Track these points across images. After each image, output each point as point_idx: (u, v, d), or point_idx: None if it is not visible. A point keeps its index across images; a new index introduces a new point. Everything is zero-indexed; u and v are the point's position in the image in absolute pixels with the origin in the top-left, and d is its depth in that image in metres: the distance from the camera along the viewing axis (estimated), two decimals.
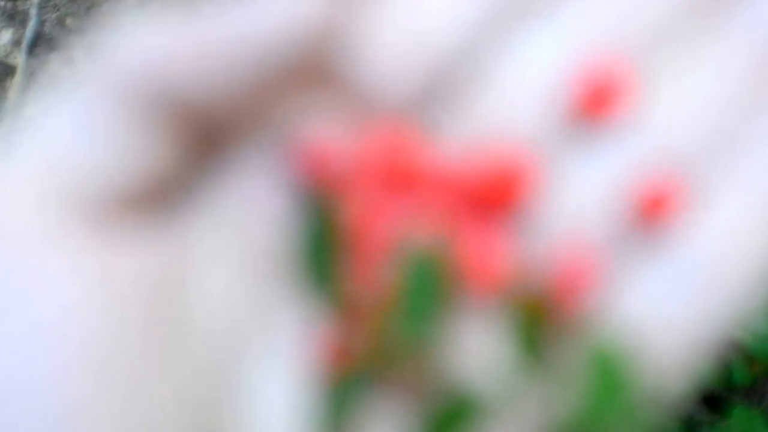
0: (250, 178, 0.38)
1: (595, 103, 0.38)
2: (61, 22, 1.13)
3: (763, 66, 0.38)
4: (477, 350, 0.37)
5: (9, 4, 1.13)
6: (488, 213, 0.39)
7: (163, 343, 0.35)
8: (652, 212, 0.37)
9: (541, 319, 0.35)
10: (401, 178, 0.39)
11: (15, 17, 1.13)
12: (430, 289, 0.36)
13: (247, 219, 0.38)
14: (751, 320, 0.37)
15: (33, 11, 1.12)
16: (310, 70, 0.38)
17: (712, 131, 0.38)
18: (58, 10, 1.15)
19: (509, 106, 0.39)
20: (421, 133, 0.40)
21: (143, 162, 0.37)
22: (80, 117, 0.36)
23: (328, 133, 0.38)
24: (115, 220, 0.36)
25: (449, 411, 0.36)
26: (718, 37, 0.38)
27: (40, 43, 1.12)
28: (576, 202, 0.38)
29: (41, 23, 1.12)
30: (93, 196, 0.36)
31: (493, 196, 0.38)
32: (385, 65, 0.39)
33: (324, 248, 0.38)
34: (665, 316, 0.36)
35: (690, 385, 0.37)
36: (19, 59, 1.12)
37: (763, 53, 0.38)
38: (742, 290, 0.36)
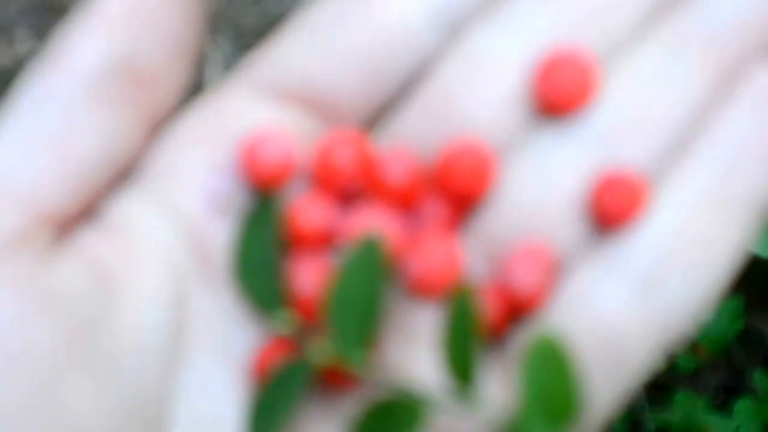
0: (196, 171, 0.38)
1: (557, 99, 0.38)
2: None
3: (714, 68, 0.38)
4: (424, 351, 0.37)
5: None
6: (444, 208, 0.38)
7: (94, 346, 0.34)
8: (606, 209, 0.37)
9: (474, 320, 0.34)
10: (350, 179, 0.38)
11: None
12: (367, 284, 0.35)
13: (191, 212, 0.38)
14: (701, 316, 0.37)
15: None
16: None
17: (664, 130, 0.38)
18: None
19: (470, 105, 0.38)
20: (372, 135, 0.39)
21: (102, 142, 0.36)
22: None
23: (283, 134, 0.38)
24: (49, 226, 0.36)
25: (389, 411, 0.35)
26: (672, 39, 0.38)
27: None
28: (533, 196, 0.38)
29: None
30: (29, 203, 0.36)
31: (452, 190, 0.38)
32: (345, 71, 0.39)
33: (265, 246, 0.37)
34: (616, 312, 0.36)
35: (641, 379, 0.36)
36: None
37: (714, 56, 0.38)
38: (691, 289, 0.36)
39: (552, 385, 0.34)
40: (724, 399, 0.86)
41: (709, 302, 0.36)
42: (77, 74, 0.36)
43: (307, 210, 0.38)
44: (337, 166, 0.38)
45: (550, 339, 0.34)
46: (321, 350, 0.35)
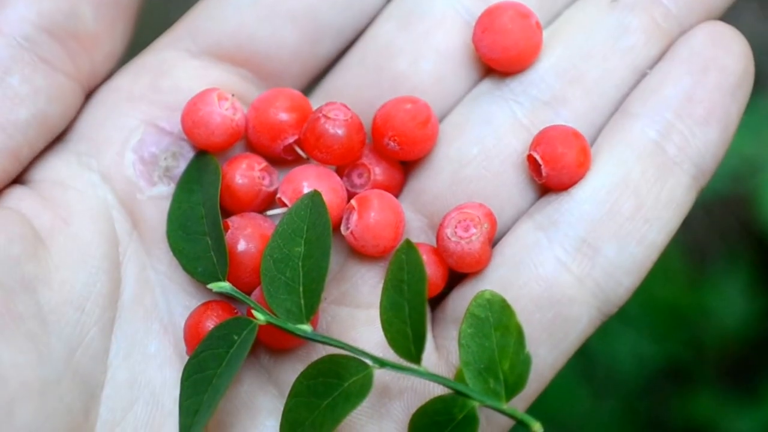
0: (131, 130, 0.37)
1: (499, 56, 0.37)
2: None
3: (656, 30, 0.37)
4: (367, 311, 0.36)
5: None
6: (384, 167, 0.37)
7: (28, 307, 0.34)
8: (544, 167, 0.35)
9: (419, 278, 0.32)
10: (286, 136, 0.37)
11: None
12: (305, 243, 0.34)
13: (125, 172, 0.37)
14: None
15: None
16: None
17: (605, 89, 0.37)
18: None
19: (408, 63, 0.38)
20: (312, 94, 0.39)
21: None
22: None
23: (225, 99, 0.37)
24: None
25: (333, 366, 0.33)
26: (614, 5, 0.38)
27: None
28: (473, 156, 0.37)
29: None
30: None
31: (390, 148, 0.37)
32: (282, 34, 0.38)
33: (199, 210, 0.36)
34: (555, 274, 0.35)
35: (579, 344, 0.35)
36: None
37: (657, 18, 0.37)
38: (627, 251, 0.35)
39: (493, 348, 0.33)
40: (751, 386, 0.82)
41: (648, 265, 0.35)
42: (11, 36, 0.36)
43: (242, 172, 0.37)
44: (272, 124, 0.37)
45: (489, 296, 0.33)
46: (262, 312, 0.34)
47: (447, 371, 0.35)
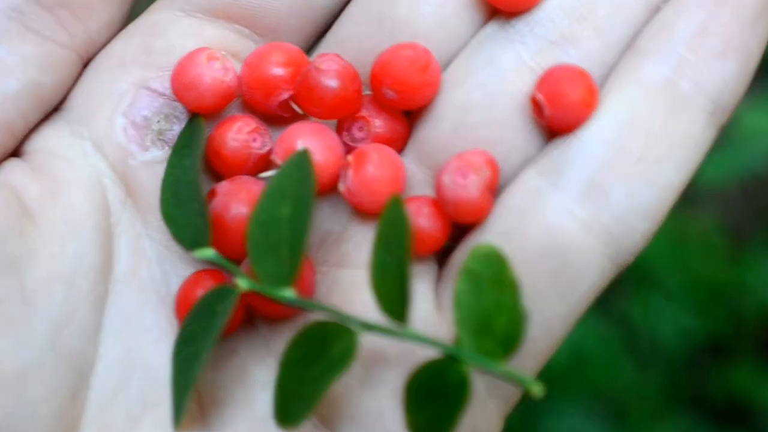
0: (125, 94, 0.36)
1: None
2: None
3: None
4: (360, 273, 0.34)
5: None
6: (386, 118, 0.35)
7: (16, 281, 0.32)
8: (548, 107, 0.33)
9: (407, 238, 0.30)
10: (281, 90, 0.35)
11: None
12: (291, 209, 0.32)
13: (119, 139, 0.35)
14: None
15: None
16: None
17: (616, 27, 0.35)
18: None
19: (410, 6, 0.35)
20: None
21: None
22: None
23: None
24: None
25: (321, 332, 0.31)
26: None
27: None
28: (478, 100, 0.35)
29: None
30: None
31: (389, 97, 0.35)
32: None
33: (190, 177, 0.34)
34: (560, 221, 0.32)
35: (589, 298, 0.33)
36: None
37: None
38: (637, 195, 0.32)
39: (489, 304, 0.31)
40: None
41: (663, 209, 0.33)
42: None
43: (231, 135, 0.35)
44: (265, 80, 0.35)
45: (485, 250, 0.31)
46: (244, 279, 0.32)
47: (449, 332, 0.33)
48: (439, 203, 0.34)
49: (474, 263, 0.31)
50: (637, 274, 0.78)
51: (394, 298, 0.30)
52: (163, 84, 0.35)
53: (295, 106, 0.35)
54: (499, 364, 0.31)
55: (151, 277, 0.34)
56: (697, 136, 0.33)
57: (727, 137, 0.76)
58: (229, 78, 0.35)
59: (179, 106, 0.35)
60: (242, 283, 0.32)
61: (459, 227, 0.34)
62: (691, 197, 0.83)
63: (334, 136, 0.35)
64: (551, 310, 0.32)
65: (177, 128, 0.35)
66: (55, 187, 0.34)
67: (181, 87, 0.35)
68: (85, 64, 0.36)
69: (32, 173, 0.34)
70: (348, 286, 0.34)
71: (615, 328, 0.77)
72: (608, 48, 0.34)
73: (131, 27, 0.36)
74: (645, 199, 0.32)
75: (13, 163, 0.35)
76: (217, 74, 0.35)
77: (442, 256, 0.35)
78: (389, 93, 0.34)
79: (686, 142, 0.33)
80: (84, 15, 0.35)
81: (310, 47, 0.37)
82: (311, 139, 0.34)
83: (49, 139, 0.35)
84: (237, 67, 0.36)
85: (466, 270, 0.31)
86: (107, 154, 0.35)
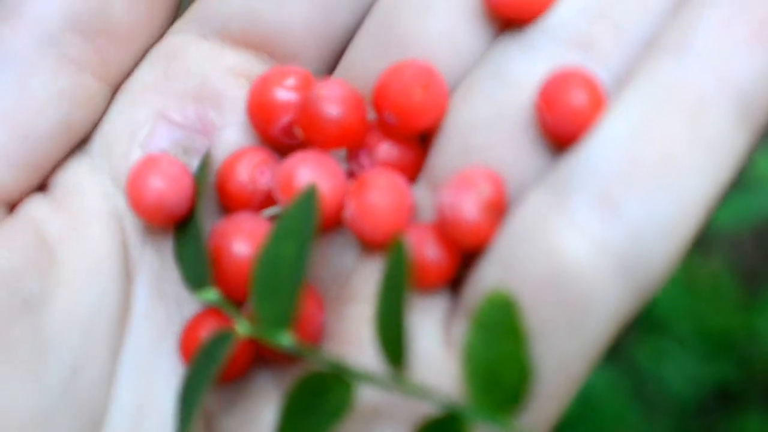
0: (145, 126, 0.34)
1: (511, 7, 0.32)
2: None
3: None
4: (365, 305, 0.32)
5: None
6: (394, 145, 0.33)
7: (32, 324, 0.31)
8: (549, 109, 0.30)
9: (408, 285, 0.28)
10: (285, 117, 0.34)
11: None
12: (294, 253, 0.30)
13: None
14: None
15: None
16: None
17: (636, 24, 0.31)
18: None
19: (417, 25, 0.33)
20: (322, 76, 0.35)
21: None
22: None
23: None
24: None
25: (320, 383, 0.30)
26: None
27: None
28: (486, 112, 0.32)
29: None
30: None
31: (391, 125, 0.33)
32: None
33: (198, 215, 0.33)
34: (570, 243, 0.28)
35: (607, 335, 0.29)
36: None
37: None
38: (657, 211, 0.28)
39: (499, 356, 0.28)
40: None
41: (688, 225, 0.28)
42: (34, 33, 0.33)
43: (237, 169, 0.33)
44: (266, 104, 0.34)
45: (498, 295, 0.28)
46: (243, 324, 0.31)
47: (456, 373, 0.30)
48: (440, 229, 0.31)
49: (485, 312, 0.29)
50: (646, 319, 0.77)
51: (394, 342, 0.29)
52: (183, 113, 0.34)
53: (299, 133, 0.33)
54: (507, 420, 0.28)
55: (169, 318, 0.33)
56: (725, 139, 0.28)
57: (740, 181, 0.75)
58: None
59: (199, 138, 0.34)
60: (241, 328, 0.31)
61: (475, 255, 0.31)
62: (702, 241, 0.81)
63: (336, 164, 0.33)
64: (564, 347, 0.29)
65: (196, 161, 0.34)
66: (76, 223, 0.33)
67: (138, 199, 0.33)
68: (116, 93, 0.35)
69: (54, 209, 0.33)
70: (356, 322, 0.32)
71: (623, 374, 0.76)
72: (631, 49, 0.31)
73: (150, 53, 0.35)
74: (664, 213, 0.28)
75: (35, 198, 0.34)
76: (175, 187, 0.33)
77: (456, 284, 0.32)
78: (390, 117, 0.32)
79: (712, 147, 0.28)
80: (121, 43, 0.34)
81: (330, 71, 0.35)
82: (311, 171, 0.32)
83: (72, 173, 0.34)
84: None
85: (477, 320, 0.29)
86: (124, 188, 0.34)
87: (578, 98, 0.29)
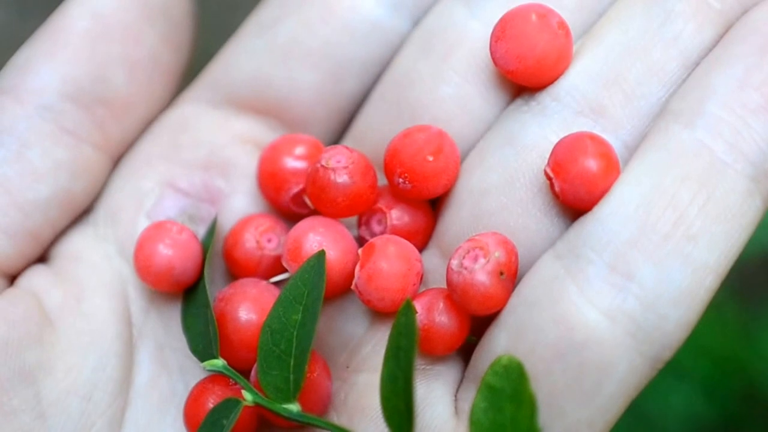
0: (150, 195, 0.35)
1: (518, 64, 0.32)
2: None
3: (704, 16, 0.31)
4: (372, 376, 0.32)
5: None
6: (404, 210, 0.33)
7: (33, 394, 0.31)
8: (559, 176, 0.30)
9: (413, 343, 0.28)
10: (294, 187, 0.34)
11: None
12: (299, 325, 0.30)
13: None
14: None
15: None
16: None
17: (647, 89, 0.31)
18: None
19: (428, 89, 0.33)
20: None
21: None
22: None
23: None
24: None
25: None
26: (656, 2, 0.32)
27: None
28: (497, 177, 0.32)
29: None
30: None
31: (403, 188, 0.32)
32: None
33: (204, 284, 0.33)
34: (580, 310, 0.28)
35: (621, 405, 0.29)
36: None
37: (703, 5, 0.31)
38: (669, 278, 0.28)
39: (506, 422, 0.28)
40: None
41: (701, 293, 0.28)
42: (34, 104, 0.33)
43: (243, 236, 0.33)
44: (275, 174, 0.34)
45: (505, 362, 0.28)
46: (250, 392, 0.31)
47: None
48: (449, 296, 0.31)
49: (493, 377, 0.29)
50: None
51: (400, 413, 0.28)
52: (190, 182, 0.34)
53: (308, 201, 0.33)
54: None
55: (172, 389, 0.33)
56: (737, 206, 0.29)
57: None
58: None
59: (205, 207, 0.34)
60: (248, 396, 0.31)
61: (484, 319, 0.31)
62: None
63: (345, 231, 0.33)
64: (575, 415, 0.29)
65: (202, 229, 0.34)
66: (78, 293, 0.33)
67: (146, 269, 0.33)
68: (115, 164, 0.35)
69: (55, 279, 0.33)
70: (364, 390, 0.32)
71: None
72: (642, 114, 0.31)
73: (157, 122, 0.35)
74: (676, 282, 0.28)
75: (36, 269, 0.34)
76: (183, 257, 0.33)
77: (468, 351, 0.32)
78: (401, 182, 0.32)
79: (723, 215, 0.29)
80: (121, 113, 0.34)
81: (338, 137, 0.35)
82: (320, 238, 0.32)
83: (74, 243, 0.34)
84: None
85: (485, 385, 0.29)
86: (130, 258, 0.34)
87: (589, 163, 0.29)
